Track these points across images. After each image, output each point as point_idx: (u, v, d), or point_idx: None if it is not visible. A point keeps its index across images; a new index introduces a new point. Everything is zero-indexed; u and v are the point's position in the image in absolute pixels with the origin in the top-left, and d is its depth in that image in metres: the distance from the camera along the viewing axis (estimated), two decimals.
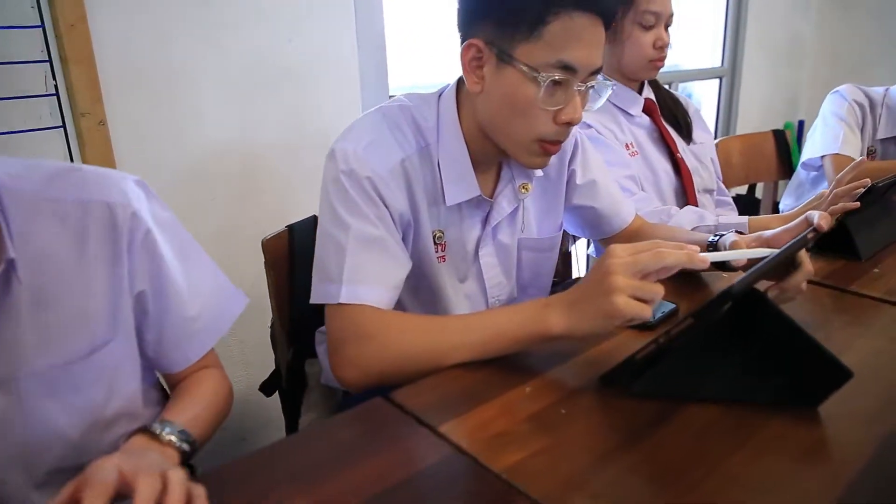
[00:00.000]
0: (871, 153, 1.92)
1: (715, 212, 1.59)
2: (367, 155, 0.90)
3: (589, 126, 1.41)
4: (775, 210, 2.15)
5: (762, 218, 1.30)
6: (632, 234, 1.18)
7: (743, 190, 2.25)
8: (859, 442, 0.68)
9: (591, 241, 1.61)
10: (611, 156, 1.38)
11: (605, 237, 1.21)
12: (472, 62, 0.90)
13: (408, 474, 0.64)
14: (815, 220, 0.88)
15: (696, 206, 1.49)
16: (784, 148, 2.21)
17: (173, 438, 0.69)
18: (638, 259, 0.73)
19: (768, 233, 0.95)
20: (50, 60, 1.24)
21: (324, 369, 1.13)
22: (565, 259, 1.63)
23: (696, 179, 1.51)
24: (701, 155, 1.57)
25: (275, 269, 1.16)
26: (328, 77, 1.66)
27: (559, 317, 0.79)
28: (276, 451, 0.69)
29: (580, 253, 1.70)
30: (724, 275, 1.07)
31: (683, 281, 1.09)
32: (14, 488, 0.73)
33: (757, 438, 0.69)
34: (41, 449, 0.73)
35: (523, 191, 1.05)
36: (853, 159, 1.84)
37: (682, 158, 1.51)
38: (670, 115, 1.55)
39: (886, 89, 1.92)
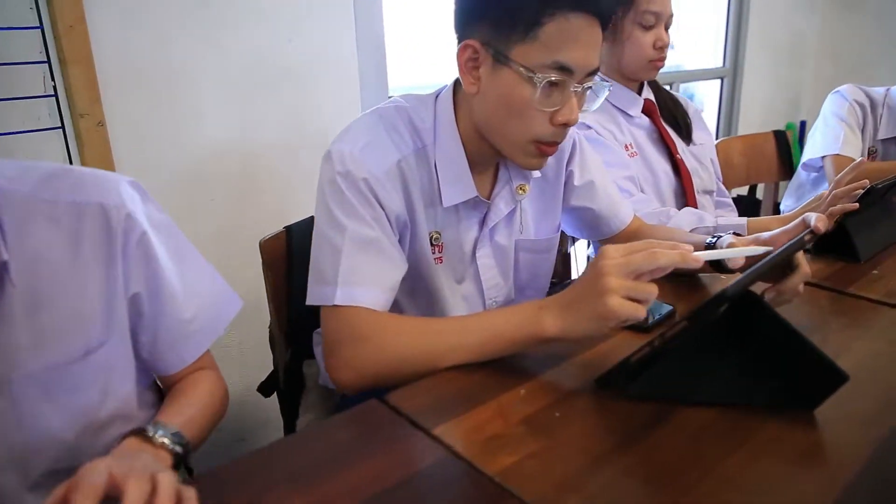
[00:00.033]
0: (871, 153, 1.91)
1: (714, 213, 1.59)
2: (363, 156, 0.89)
3: (588, 127, 1.40)
4: (776, 211, 2.15)
5: (761, 219, 1.29)
6: (630, 236, 1.18)
7: (744, 191, 2.25)
8: (856, 445, 0.68)
9: (590, 242, 1.60)
10: (610, 157, 1.38)
11: (603, 238, 1.20)
12: (468, 63, 0.90)
13: (401, 477, 0.64)
14: (813, 223, 0.88)
15: (696, 207, 1.49)
16: (785, 148, 2.21)
17: (166, 441, 0.69)
18: (631, 260, 0.73)
19: (765, 234, 0.95)
20: (49, 61, 1.24)
21: (321, 370, 1.13)
22: (565, 260, 1.63)
23: (695, 180, 1.51)
24: (700, 156, 1.57)
25: (272, 270, 1.16)
26: (328, 77, 1.66)
27: (554, 319, 0.79)
28: (269, 452, 0.69)
29: (580, 254, 1.70)
30: (722, 277, 1.06)
31: (681, 283, 1.09)
32: (9, 490, 0.73)
33: (753, 441, 0.68)
34: (35, 451, 0.73)
35: (520, 192, 1.05)
36: (854, 160, 1.83)
37: (681, 159, 1.50)
38: (670, 115, 1.55)
39: (887, 89, 1.91)
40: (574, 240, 1.60)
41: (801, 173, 1.99)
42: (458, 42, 0.91)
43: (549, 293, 1.19)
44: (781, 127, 3.10)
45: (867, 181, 1.16)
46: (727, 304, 0.73)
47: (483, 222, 1.04)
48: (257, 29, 1.52)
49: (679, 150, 1.52)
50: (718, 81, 3.08)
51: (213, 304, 0.87)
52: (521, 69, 0.85)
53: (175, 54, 1.41)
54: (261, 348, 1.31)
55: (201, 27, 1.43)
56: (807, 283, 1.06)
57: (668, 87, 2.25)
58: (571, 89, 0.87)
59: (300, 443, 0.73)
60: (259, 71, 1.54)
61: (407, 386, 0.79)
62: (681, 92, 2.85)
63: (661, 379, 0.75)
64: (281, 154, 1.61)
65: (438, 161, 0.96)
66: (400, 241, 0.96)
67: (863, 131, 1.89)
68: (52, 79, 1.25)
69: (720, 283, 1.08)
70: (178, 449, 0.70)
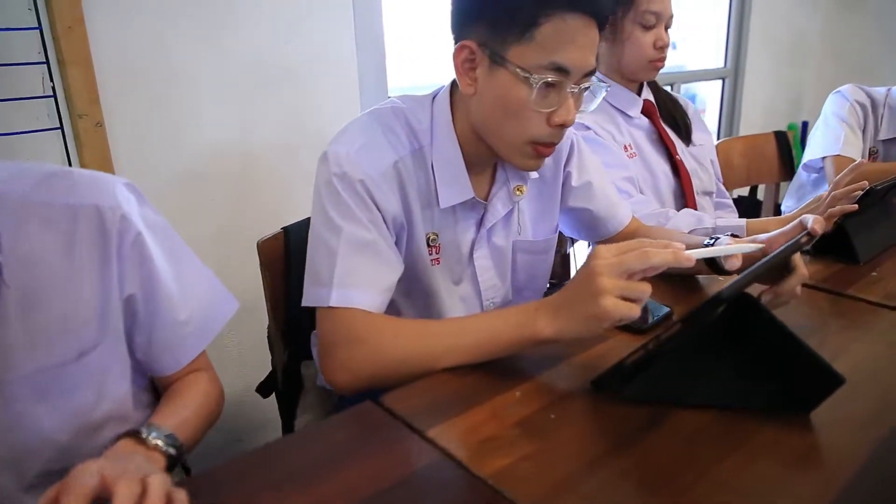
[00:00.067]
0: (872, 154, 1.91)
1: (714, 214, 1.58)
2: (359, 158, 0.89)
3: (587, 128, 1.40)
4: (777, 212, 2.14)
5: (760, 220, 1.29)
6: (628, 237, 1.17)
7: (744, 191, 2.24)
8: (853, 447, 0.67)
9: (590, 243, 1.60)
10: (609, 157, 1.38)
11: (601, 239, 1.20)
12: (464, 64, 0.90)
13: (394, 479, 0.64)
14: (810, 224, 0.87)
15: (695, 208, 1.49)
16: (786, 149, 2.20)
17: (159, 443, 0.69)
18: (623, 259, 0.72)
19: (763, 236, 0.94)
20: (47, 62, 1.24)
21: (319, 371, 1.13)
22: (564, 261, 1.63)
23: (694, 181, 1.51)
24: (700, 157, 1.57)
25: (270, 270, 1.16)
26: (327, 78, 1.66)
27: (548, 320, 0.79)
28: (264, 453, 0.69)
29: (579, 255, 1.69)
30: (720, 278, 1.06)
31: (679, 284, 1.08)
32: (4, 491, 0.73)
33: (749, 444, 0.68)
34: (30, 452, 0.73)
35: (518, 193, 1.05)
36: (854, 160, 1.83)
37: (680, 160, 1.50)
38: (669, 116, 1.55)
39: (888, 89, 1.90)
40: (573, 241, 1.59)
41: (801, 174, 1.98)
42: (455, 43, 0.91)
43: (548, 294, 1.19)
44: (783, 127, 3.10)
45: (866, 182, 1.15)
46: (723, 307, 0.73)
47: (480, 223, 1.04)
48: (257, 29, 1.52)
49: (678, 151, 1.51)
50: (720, 82, 3.08)
51: (209, 306, 0.87)
52: (518, 70, 0.84)
53: (174, 55, 1.41)
54: (260, 349, 1.31)
55: (200, 28, 1.43)
56: (806, 285, 1.06)
57: (669, 88, 2.25)
58: (568, 90, 0.87)
59: (294, 444, 0.73)
60: (258, 71, 1.54)
61: (402, 388, 0.79)
62: (682, 92, 2.85)
63: (656, 381, 0.74)
64: (280, 154, 1.61)
65: (435, 162, 0.96)
66: (397, 243, 0.96)
67: (864, 132, 1.88)
68: (51, 79, 1.26)
69: (718, 285, 1.08)
70: (172, 451, 0.70)
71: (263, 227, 1.18)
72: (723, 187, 1.67)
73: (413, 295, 1.03)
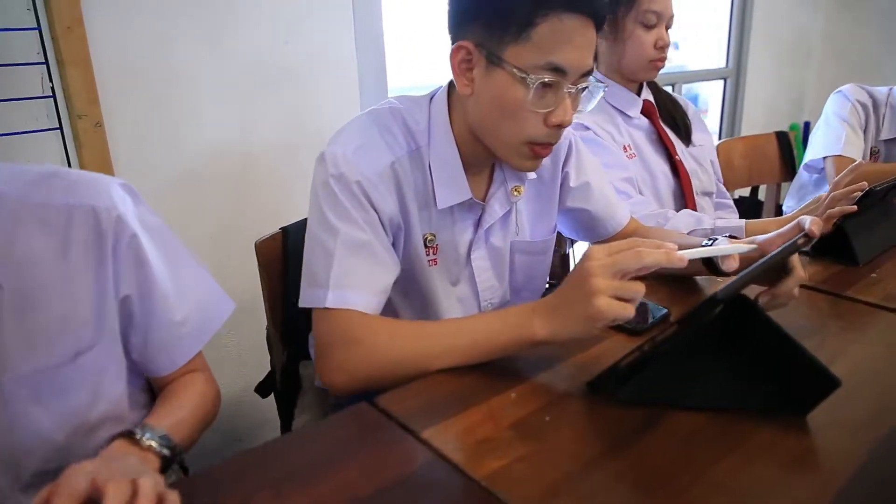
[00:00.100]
0: (874, 154, 1.90)
1: (714, 215, 1.58)
2: (356, 158, 0.89)
3: (586, 128, 1.40)
4: (778, 212, 2.14)
5: (759, 221, 1.28)
6: (627, 237, 1.17)
7: (746, 192, 2.23)
8: (849, 450, 0.67)
9: (590, 243, 1.60)
10: (608, 158, 1.38)
11: (599, 240, 1.19)
12: (461, 64, 0.90)
13: (387, 481, 0.63)
14: (807, 226, 0.87)
15: (695, 208, 1.48)
16: (787, 149, 2.19)
17: (153, 444, 0.69)
18: (617, 260, 0.72)
19: (761, 237, 0.94)
20: (46, 62, 1.25)
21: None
22: (564, 261, 1.63)
23: (694, 182, 1.50)
24: (700, 157, 1.56)
25: (268, 271, 1.16)
26: (327, 78, 1.66)
27: (543, 322, 0.78)
28: (258, 454, 0.69)
29: (578, 255, 1.69)
30: (719, 279, 1.06)
31: (677, 285, 1.08)
32: (0, 490, 0.73)
33: (745, 446, 0.68)
34: (26, 452, 0.73)
35: (516, 194, 1.05)
36: (855, 161, 1.82)
37: (680, 161, 1.49)
38: (669, 117, 1.54)
39: (890, 89, 1.89)
40: (573, 241, 1.59)
41: (802, 174, 1.98)
42: (452, 43, 0.91)
43: (547, 294, 1.18)
44: (785, 128, 3.09)
45: (865, 183, 1.15)
46: (719, 308, 0.73)
47: (478, 224, 1.03)
48: (256, 29, 1.52)
49: (678, 152, 1.51)
50: (721, 82, 3.07)
51: (205, 307, 0.87)
52: (515, 70, 0.84)
53: (173, 55, 1.41)
54: (259, 349, 1.31)
55: (200, 28, 1.43)
56: (805, 286, 1.06)
57: (670, 88, 2.24)
58: (565, 90, 0.87)
59: (288, 445, 0.73)
60: (258, 71, 1.54)
61: (397, 389, 0.79)
62: (684, 93, 2.84)
63: (652, 383, 0.74)
64: (280, 155, 1.61)
65: (433, 163, 0.96)
66: (394, 244, 0.96)
67: (865, 131, 1.88)
68: (50, 80, 1.26)
69: (715, 287, 1.07)
70: (166, 452, 0.70)
71: (263, 227, 1.19)
72: (723, 188, 1.67)
73: (410, 296, 1.02)
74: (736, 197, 2.16)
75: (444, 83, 0.99)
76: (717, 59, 3.03)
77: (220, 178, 1.53)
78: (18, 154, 1.24)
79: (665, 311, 0.97)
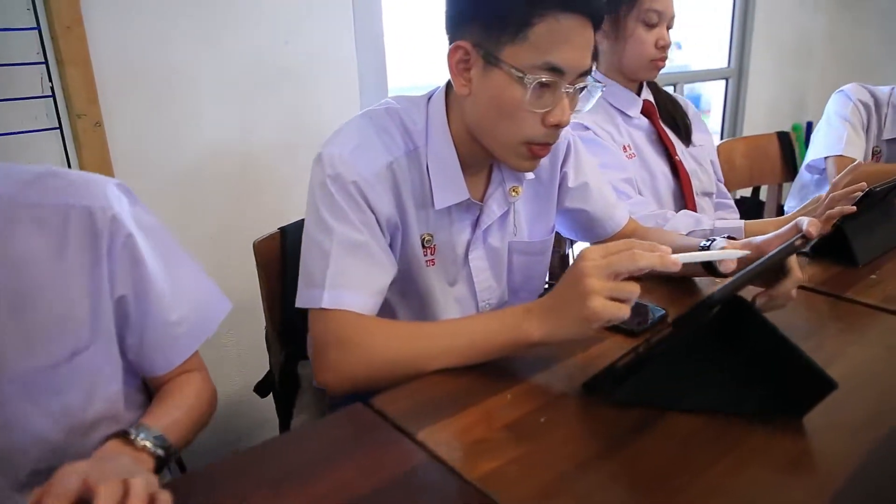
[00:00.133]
0: (875, 154, 1.89)
1: (714, 215, 1.58)
2: (353, 159, 0.89)
3: (586, 128, 1.40)
4: (780, 212, 2.13)
5: (758, 222, 1.28)
6: (626, 238, 1.17)
7: (747, 192, 2.23)
8: (846, 452, 0.67)
9: (589, 244, 1.60)
10: (607, 158, 1.37)
11: (598, 240, 1.19)
12: (459, 64, 0.89)
13: (380, 482, 0.63)
14: (805, 227, 0.87)
15: (695, 209, 1.48)
16: (788, 150, 2.19)
17: (148, 444, 0.69)
18: (611, 261, 0.72)
19: (758, 239, 0.94)
20: (46, 62, 1.25)
21: None
22: (563, 261, 1.62)
23: (694, 182, 1.50)
24: (700, 157, 1.56)
25: (266, 271, 1.16)
26: (327, 77, 1.66)
27: (538, 323, 0.78)
28: (252, 455, 0.69)
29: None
30: (717, 281, 1.05)
31: (675, 286, 1.08)
32: None
33: (741, 448, 0.68)
34: (21, 452, 0.73)
35: (513, 194, 1.04)
36: (857, 161, 1.81)
37: (680, 161, 1.49)
38: (669, 117, 1.54)
39: (892, 88, 1.88)
40: (572, 242, 1.59)
41: (804, 174, 1.97)
42: (450, 43, 0.90)
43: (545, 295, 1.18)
44: (787, 128, 3.08)
45: (864, 184, 1.15)
46: (716, 309, 0.73)
47: (476, 224, 1.03)
48: (256, 29, 1.52)
49: (678, 152, 1.50)
50: (723, 82, 3.06)
51: (202, 307, 0.87)
52: (512, 70, 0.84)
53: (173, 55, 1.41)
54: (259, 348, 1.31)
55: (199, 28, 1.44)
56: (803, 288, 1.06)
57: (672, 88, 2.23)
58: (563, 90, 0.87)
59: (283, 445, 0.73)
60: (258, 71, 1.54)
61: (392, 389, 0.79)
62: (687, 93, 2.84)
63: (648, 384, 0.74)
64: (280, 155, 1.61)
65: (430, 163, 0.96)
66: (391, 244, 0.96)
67: (867, 131, 1.87)
68: (50, 79, 1.26)
69: (715, 287, 1.07)
70: (160, 452, 0.70)
71: (263, 227, 1.19)
72: (724, 188, 1.66)
73: (408, 296, 1.02)
74: (737, 197, 2.16)
75: (443, 83, 0.99)
76: (719, 59, 3.03)
77: (220, 178, 1.53)
78: (18, 154, 1.24)
79: (663, 311, 0.97)
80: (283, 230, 1.18)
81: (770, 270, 0.86)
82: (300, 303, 0.89)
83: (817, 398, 0.70)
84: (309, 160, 0.94)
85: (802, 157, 1.98)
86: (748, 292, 0.85)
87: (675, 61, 3.09)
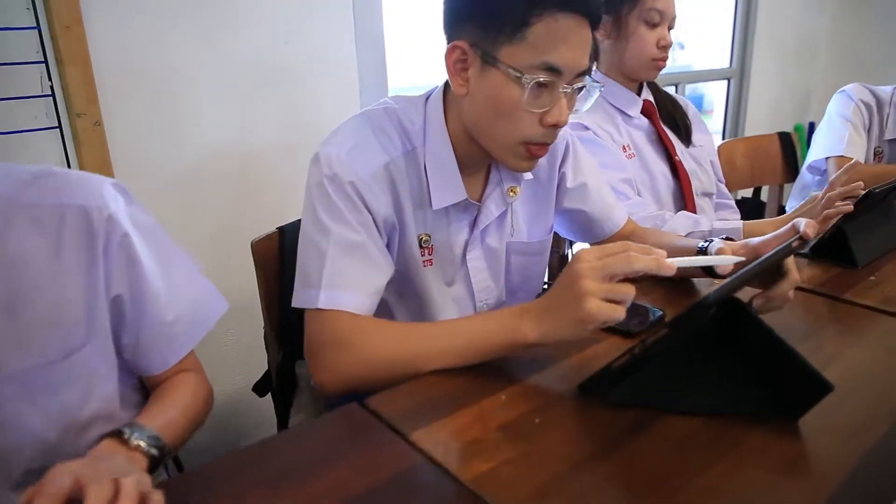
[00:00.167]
0: (877, 154, 1.88)
1: (714, 215, 1.57)
2: (350, 159, 0.89)
3: (586, 128, 1.39)
4: (781, 213, 2.12)
5: (756, 222, 1.28)
6: (624, 239, 1.16)
7: (748, 193, 2.22)
8: (841, 455, 0.66)
9: (589, 244, 1.59)
10: (607, 158, 1.37)
11: (596, 241, 1.19)
12: (456, 64, 0.89)
13: (373, 483, 0.63)
14: (802, 228, 0.86)
15: (695, 209, 1.48)
16: (790, 150, 2.18)
17: (142, 443, 0.69)
18: (607, 263, 0.72)
19: (756, 240, 0.94)
20: (46, 61, 1.25)
21: None
22: (562, 262, 1.62)
23: (694, 183, 1.50)
24: (700, 158, 1.55)
25: (264, 271, 1.16)
26: (327, 78, 1.66)
27: (533, 324, 0.78)
28: (246, 455, 0.69)
29: None
30: (715, 282, 1.05)
31: (672, 287, 1.07)
32: None
33: (737, 450, 0.67)
34: (16, 451, 0.73)
35: (511, 194, 1.04)
36: (859, 162, 1.80)
37: (680, 161, 1.49)
38: (669, 117, 1.54)
39: (894, 88, 1.87)
40: (571, 242, 1.59)
41: (805, 175, 1.96)
42: (447, 43, 0.90)
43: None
44: (789, 128, 3.07)
45: (861, 183, 1.14)
46: (712, 311, 0.72)
47: (474, 224, 1.03)
48: (256, 29, 1.52)
49: (678, 153, 1.50)
50: (725, 82, 3.05)
51: (198, 306, 0.87)
52: (510, 70, 0.84)
53: (173, 54, 1.41)
54: (258, 348, 1.31)
55: (199, 27, 1.44)
56: (802, 289, 1.06)
57: (673, 88, 2.22)
58: (561, 90, 0.86)
59: (278, 445, 0.72)
60: (258, 71, 1.54)
61: (387, 390, 0.79)
62: (689, 93, 2.83)
63: (644, 386, 0.74)
64: (280, 155, 1.61)
65: (428, 163, 0.96)
66: (388, 244, 0.95)
67: (868, 132, 1.86)
68: (49, 79, 1.26)
69: (712, 289, 1.07)
70: (154, 452, 0.70)
71: (263, 227, 1.19)
72: (724, 188, 1.66)
73: (405, 296, 1.02)
74: (738, 198, 2.15)
75: (441, 83, 0.99)
76: (721, 59, 3.02)
77: (220, 178, 1.53)
78: (17, 153, 1.24)
79: (661, 313, 0.96)
80: (281, 230, 1.18)
81: (767, 272, 0.86)
82: (296, 303, 0.89)
83: (813, 400, 0.69)
84: (308, 161, 0.94)
85: (804, 158, 1.97)
86: (746, 293, 0.84)
87: (678, 61, 3.08)
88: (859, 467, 0.64)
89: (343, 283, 0.86)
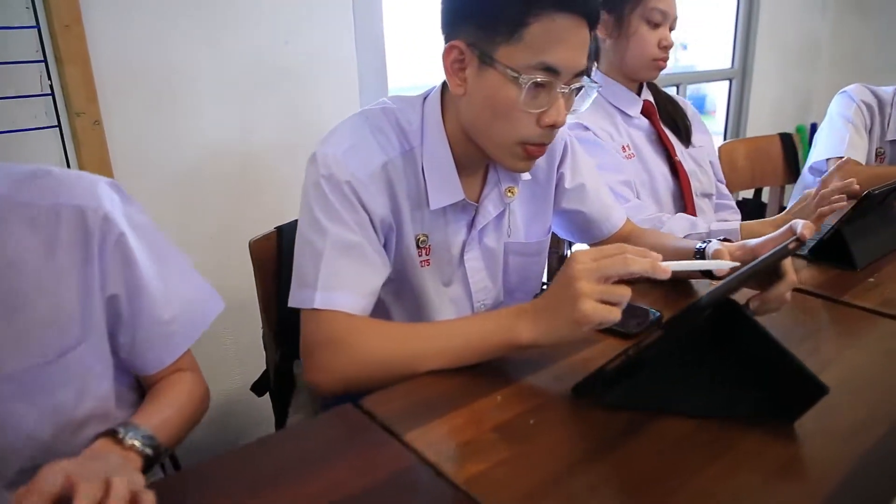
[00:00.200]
0: (879, 155, 1.88)
1: (714, 216, 1.57)
2: (347, 159, 0.89)
3: (586, 128, 1.39)
4: None
5: (753, 223, 1.27)
6: (622, 240, 1.16)
7: (749, 194, 2.22)
8: (837, 458, 0.66)
9: (588, 245, 1.59)
10: (605, 160, 1.37)
11: (594, 241, 1.19)
12: (454, 64, 0.89)
13: (366, 484, 0.63)
14: (799, 230, 0.86)
15: (694, 210, 1.47)
16: (791, 151, 2.18)
17: (136, 443, 0.69)
18: (602, 264, 0.72)
19: (753, 241, 0.93)
20: (45, 60, 1.25)
21: None
22: (561, 262, 1.62)
23: (694, 183, 1.49)
24: (699, 158, 1.55)
25: (262, 270, 1.16)
26: (327, 78, 1.66)
27: (529, 325, 0.78)
28: (240, 454, 0.69)
29: None
30: (713, 283, 1.05)
31: (670, 288, 1.07)
32: None
33: (732, 453, 0.67)
34: (11, 450, 0.73)
35: (509, 195, 1.04)
36: (860, 163, 1.80)
37: (679, 162, 1.48)
38: (669, 118, 1.53)
39: None
40: (570, 243, 1.58)
41: (806, 176, 1.96)
42: (445, 43, 0.90)
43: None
44: (791, 129, 3.06)
45: (854, 180, 1.14)
46: (707, 313, 0.72)
47: (471, 225, 1.03)
48: (256, 29, 1.52)
49: (677, 153, 1.50)
50: (727, 83, 3.05)
51: (194, 306, 0.87)
52: (507, 70, 0.84)
53: (172, 54, 1.41)
54: (258, 348, 1.31)
55: (199, 27, 1.44)
56: (801, 290, 1.05)
57: (675, 88, 2.22)
58: (558, 90, 0.86)
59: (268, 446, 0.72)
60: (258, 71, 1.54)
61: (382, 390, 0.79)
62: (690, 93, 2.83)
63: (638, 388, 0.73)
64: (280, 154, 1.61)
65: (426, 163, 0.96)
66: (385, 244, 0.95)
67: (870, 132, 1.85)
68: (49, 78, 1.26)
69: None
70: (149, 451, 0.70)
71: (262, 227, 1.19)
72: (724, 188, 1.66)
73: (402, 297, 1.02)
74: (739, 199, 2.15)
75: (439, 83, 0.99)
76: (723, 60, 3.01)
77: (220, 178, 1.53)
78: (17, 151, 1.25)
79: (658, 314, 0.96)
80: (279, 229, 1.18)
81: (764, 273, 0.85)
82: (293, 303, 0.89)
83: (809, 403, 0.69)
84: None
85: (806, 159, 1.97)
86: (743, 295, 0.84)
87: (681, 61, 3.08)
88: (855, 470, 0.64)
89: (339, 284, 0.85)
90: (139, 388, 0.88)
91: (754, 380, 0.72)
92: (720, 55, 3.02)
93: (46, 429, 0.74)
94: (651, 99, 1.52)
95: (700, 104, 3.73)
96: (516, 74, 0.84)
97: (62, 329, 0.74)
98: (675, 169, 1.48)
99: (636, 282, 0.73)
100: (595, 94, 0.95)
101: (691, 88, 2.88)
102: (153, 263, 0.81)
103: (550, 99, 0.86)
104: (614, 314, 0.71)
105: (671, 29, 1.43)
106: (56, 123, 1.29)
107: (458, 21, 0.88)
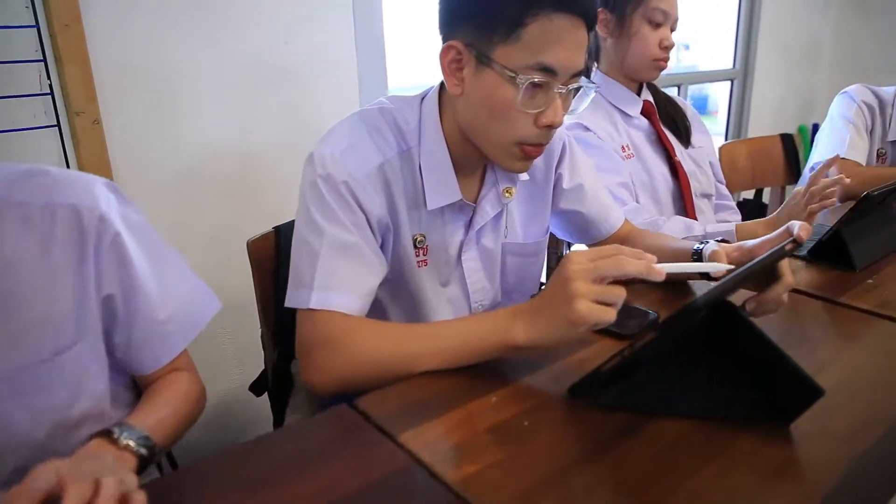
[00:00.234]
0: (880, 156, 1.87)
1: (714, 217, 1.57)
2: (344, 159, 0.89)
3: (586, 129, 1.39)
4: None
5: (748, 224, 1.27)
6: (621, 240, 1.16)
7: (750, 194, 2.21)
8: (833, 460, 0.66)
9: (587, 246, 1.59)
10: (604, 161, 1.37)
11: (593, 242, 1.19)
12: (451, 64, 0.89)
13: (359, 485, 0.63)
14: (796, 231, 0.86)
15: (694, 210, 1.47)
16: (792, 152, 2.17)
17: (131, 443, 0.69)
18: (598, 265, 0.72)
19: (750, 243, 0.93)
20: (44, 60, 1.25)
21: None
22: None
23: (693, 184, 1.49)
24: (699, 159, 1.55)
25: (260, 270, 1.16)
26: (327, 78, 1.66)
27: (524, 326, 0.78)
28: (238, 453, 0.69)
29: None
30: (711, 284, 1.05)
31: (667, 289, 1.07)
32: None
33: (727, 454, 0.67)
34: (6, 450, 0.73)
35: (507, 195, 1.04)
36: (860, 164, 1.79)
37: (679, 162, 1.48)
38: (668, 118, 1.53)
39: None
40: (569, 243, 1.58)
41: (807, 176, 1.95)
42: (442, 43, 0.90)
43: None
44: (793, 130, 3.05)
45: (843, 176, 1.14)
46: (703, 314, 0.72)
47: (469, 225, 1.03)
48: (256, 29, 1.52)
49: (677, 154, 1.49)
50: (728, 83, 3.04)
51: (190, 306, 0.87)
52: (504, 70, 0.84)
53: (172, 53, 1.41)
54: (256, 347, 1.31)
55: (199, 26, 1.44)
56: (799, 292, 1.05)
57: (676, 89, 2.21)
58: (556, 90, 0.86)
59: (264, 446, 0.72)
60: (258, 71, 1.54)
61: (377, 391, 0.78)
62: (691, 93, 2.82)
63: (634, 389, 0.73)
64: (280, 155, 1.61)
65: (423, 163, 0.96)
66: (382, 245, 0.95)
67: (871, 133, 1.85)
68: (48, 77, 1.27)
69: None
70: (144, 451, 0.70)
71: (262, 227, 1.19)
72: (724, 189, 1.65)
73: (400, 297, 1.02)
74: (740, 199, 2.14)
75: (436, 83, 0.99)
76: (725, 60, 3.01)
77: (219, 178, 1.53)
78: (16, 151, 1.25)
79: (655, 315, 0.96)
80: (277, 229, 1.18)
81: (762, 274, 0.85)
82: (289, 303, 0.89)
83: (804, 405, 0.69)
84: None
85: (807, 160, 1.96)
86: (740, 296, 0.84)
87: (683, 62, 3.07)
88: (852, 472, 0.64)
89: (335, 284, 0.85)
90: (135, 388, 0.88)
91: (750, 381, 0.72)
92: (722, 55, 3.01)
93: (41, 429, 0.74)
94: (651, 99, 1.52)
95: (702, 104, 3.73)
96: (514, 74, 0.83)
97: (57, 329, 0.74)
98: (675, 169, 1.47)
99: (632, 282, 0.73)
100: (593, 95, 0.95)
101: (693, 89, 2.87)
102: (149, 263, 0.81)
103: (548, 99, 0.86)
104: (609, 315, 0.71)
105: (672, 29, 1.43)
106: (55, 123, 1.29)
107: (455, 21, 0.88)
